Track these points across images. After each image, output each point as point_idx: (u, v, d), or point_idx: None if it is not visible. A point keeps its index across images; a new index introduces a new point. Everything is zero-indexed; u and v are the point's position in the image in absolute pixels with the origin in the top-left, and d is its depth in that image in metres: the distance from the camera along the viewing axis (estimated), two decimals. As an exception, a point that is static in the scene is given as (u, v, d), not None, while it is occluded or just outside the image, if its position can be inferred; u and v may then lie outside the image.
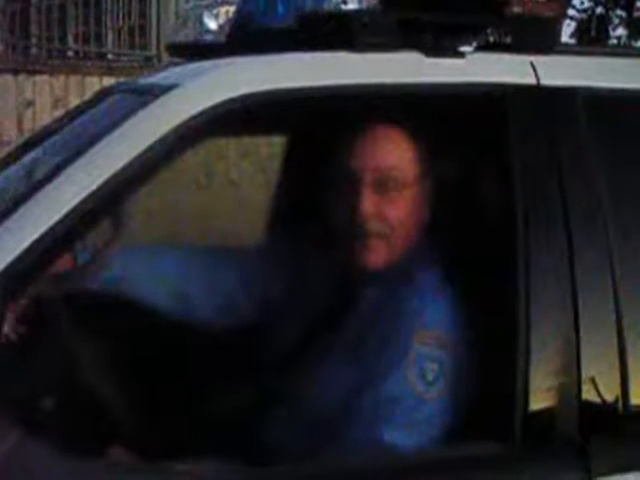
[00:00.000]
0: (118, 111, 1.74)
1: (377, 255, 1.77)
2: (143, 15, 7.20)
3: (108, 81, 6.42)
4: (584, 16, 12.52)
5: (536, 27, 1.87)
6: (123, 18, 7.28)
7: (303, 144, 2.22)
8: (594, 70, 1.86)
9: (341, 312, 1.82)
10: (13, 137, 6.11)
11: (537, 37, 1.85)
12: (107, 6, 7.26)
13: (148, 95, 1.68)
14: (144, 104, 1.64)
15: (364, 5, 1.82)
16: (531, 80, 1.76)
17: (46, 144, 1.91)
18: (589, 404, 1.66)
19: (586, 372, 1.66)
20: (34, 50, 7.20)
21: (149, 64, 6.95)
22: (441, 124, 1.75)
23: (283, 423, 1.81)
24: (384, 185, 1.76)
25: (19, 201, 1.53)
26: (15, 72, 6.29)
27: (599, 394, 1.66)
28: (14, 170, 1.88)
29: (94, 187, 1.52)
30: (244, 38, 1.98)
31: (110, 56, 7.25)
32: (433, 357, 1.68)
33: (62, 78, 6.40)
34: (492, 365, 1.66)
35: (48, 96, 6.34)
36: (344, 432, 1.70)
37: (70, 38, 7.29)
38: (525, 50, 1.81)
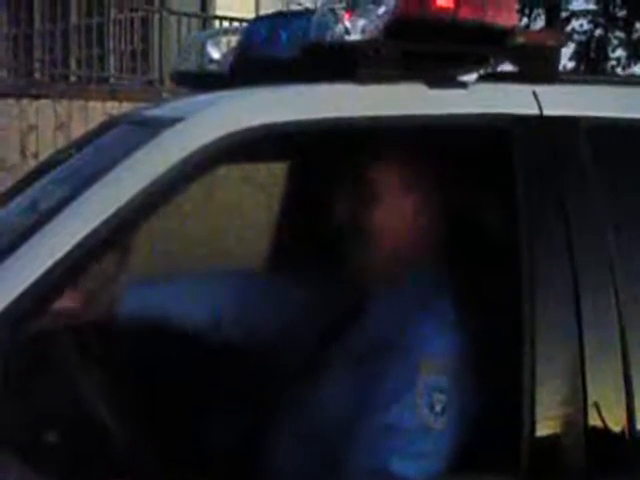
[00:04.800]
0: (125, 144, 1.75)
1: (375, 279, 1.78)
2: (145, 39, 7.24)
3: (111, 105, 6.45)
4: (583, 38, 12.59)
5: (538, 57, 1.87)
6: (125, 43, 7.32)
7: (304, 175, 2.24)
8: (597, 99, 1.86)
9: (345, 337, 1.83)
10: (16, 161, 6.13)
11: (539, 67, 1.85)
12: (110, 31, 7.30)
13: (154, 128, 1.69)
14: (150, 137, 1.65)
15: (367, 36, 1.83)
16: (534, 110, 1.77)
17: (52, 176, 1.92)
18: (595, 432, 1.66)
19: (592, 400, 1.66)
20: (37, 75, 7.23)
21: (151, 88, 6.99)
22: (444, 155, 1.76)
23: (287, 449, 1.81)
24: (381, 211, 1.77)
25: (24, 235, 1.54)
26: (18, 96, 6.32)
27: (605, 422, 1.66)
28: (19, 203, 1.89)
29: (101, 220, 1.53)
30: (247, 68, 1.99)
31: (112, 80, 7.29)
32: (441, 387, 1.68)
33: (65, 102, 6.43)
34: (498, 394, 1.66)
35: (51, 120, 6.36)
36: (351, 461, 1.70)
37: (73, 63, 7.33)
38: (528, 80, 1.82)
